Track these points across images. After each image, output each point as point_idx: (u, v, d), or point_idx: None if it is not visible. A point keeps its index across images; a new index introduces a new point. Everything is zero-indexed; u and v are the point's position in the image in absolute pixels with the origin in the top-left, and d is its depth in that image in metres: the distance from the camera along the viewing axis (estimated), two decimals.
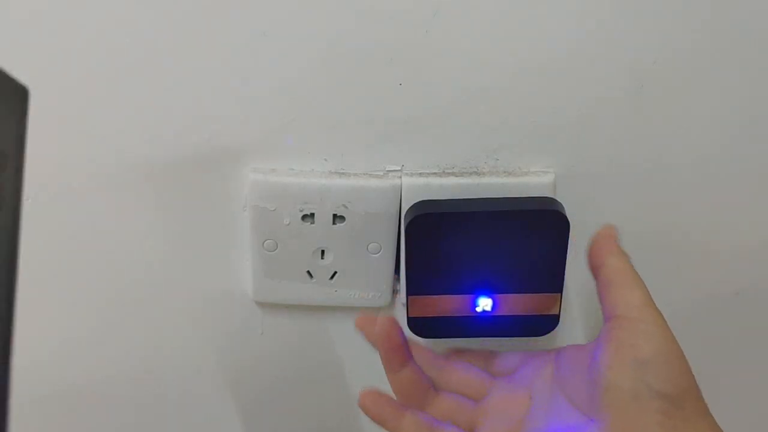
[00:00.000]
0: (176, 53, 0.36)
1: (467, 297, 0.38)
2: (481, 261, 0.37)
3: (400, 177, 0.39)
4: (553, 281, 0.38)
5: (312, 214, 0.39)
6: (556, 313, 0.39)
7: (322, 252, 0.40)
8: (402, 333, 0.36)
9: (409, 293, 0.39)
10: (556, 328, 0.40)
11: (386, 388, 0.37)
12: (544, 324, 0.39)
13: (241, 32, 0.35)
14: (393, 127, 0.38)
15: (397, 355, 0.36)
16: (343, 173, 0.39)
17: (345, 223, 0.39)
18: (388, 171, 0.39)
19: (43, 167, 0.39)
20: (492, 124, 0.38)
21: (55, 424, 0.47)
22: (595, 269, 0.35)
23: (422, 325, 0.39)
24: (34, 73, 0.37)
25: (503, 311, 0.39)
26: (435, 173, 0.39)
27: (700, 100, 0.37)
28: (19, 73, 0.23)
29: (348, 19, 0.35)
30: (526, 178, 0.38)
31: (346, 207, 0.39)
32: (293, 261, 0.40)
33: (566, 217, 0.36)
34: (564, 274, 0.38)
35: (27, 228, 0.41)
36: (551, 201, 0.37)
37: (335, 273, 0.41)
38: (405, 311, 0.40)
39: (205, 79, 0.36)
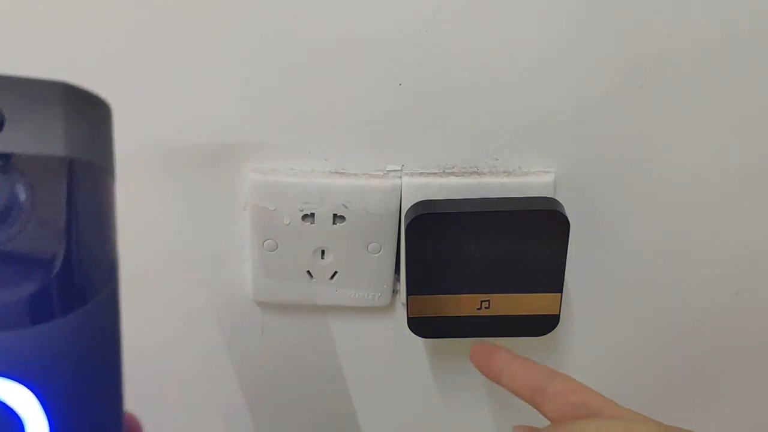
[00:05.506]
0: (176, 53, 0.36)
1: (467, 297, 0.38)
2: (480, 261, 0.37)
3: (400, 177, 0.39)
4: (553, 281, 0.38)
5: (312, 214, 0.39)
6: (556, 313, 0.39)
7: (322, 252, 0.40)
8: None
9: (409, 293, 0.39)
10: (556, 328, 0.40)
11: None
12: (544, 324, 0.40)
13: (242, 32, 0.35)
14: (393, 127, 0.38)
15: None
16: (343, 173, 0.39)
17: (345, 223, 0.39)
18: (388, 171, 0.39)
19: None
20: (492, 124, 0.38)
21: None
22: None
23: (422, 325, 0.39)
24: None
25: (503, 311, 0.39)
26: (435, 173, 0.39)
27: (700, 99, 0.37)
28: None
29: (348, 20, 0.35)
30: (526, 178, 0.38)
31: (346, 207, 0.38)
32: (293, 261, 0.40)
33: (566, 217, 0.36)
34: (564, 274, 0.38)
35: None
36: (551, 201, 0.37)
37: (335, 273, 0.41)
38: (405, 311, 0.40)
39: (206, 78, 0.36)
